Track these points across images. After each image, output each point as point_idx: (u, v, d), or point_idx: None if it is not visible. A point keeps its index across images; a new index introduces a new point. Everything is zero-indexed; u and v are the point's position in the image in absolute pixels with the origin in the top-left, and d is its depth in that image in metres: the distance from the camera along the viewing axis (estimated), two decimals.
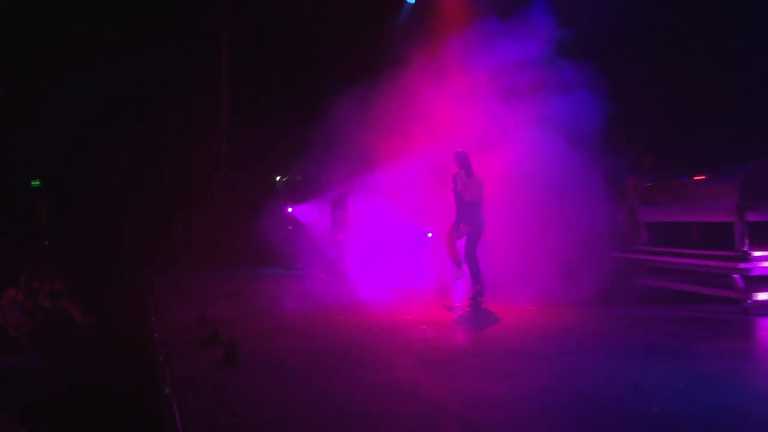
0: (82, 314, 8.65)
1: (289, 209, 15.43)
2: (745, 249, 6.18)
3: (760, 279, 6.20)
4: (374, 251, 9.62)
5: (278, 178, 18.20)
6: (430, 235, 10.78)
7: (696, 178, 7.55)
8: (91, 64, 14.42)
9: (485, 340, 5.30)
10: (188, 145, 17.07)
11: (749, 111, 8.52)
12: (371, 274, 8.72)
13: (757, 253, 6.17)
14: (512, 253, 7.44)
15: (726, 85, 8.96)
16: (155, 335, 5.53)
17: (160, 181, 16.71)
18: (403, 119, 9.20)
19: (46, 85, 14.56)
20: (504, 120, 8.51)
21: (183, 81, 16.06)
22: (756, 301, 6.08)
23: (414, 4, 11.94)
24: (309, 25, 14.04)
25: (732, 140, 8.41)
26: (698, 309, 6.50)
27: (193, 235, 17.11)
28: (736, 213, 6.29)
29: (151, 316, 6.63)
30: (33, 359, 5.03)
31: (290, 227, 15.35)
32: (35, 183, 17.29)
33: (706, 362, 4.38)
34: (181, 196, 17.52)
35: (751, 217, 6.27)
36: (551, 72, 8.27)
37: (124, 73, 14.70)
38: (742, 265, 6.12)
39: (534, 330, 5.58)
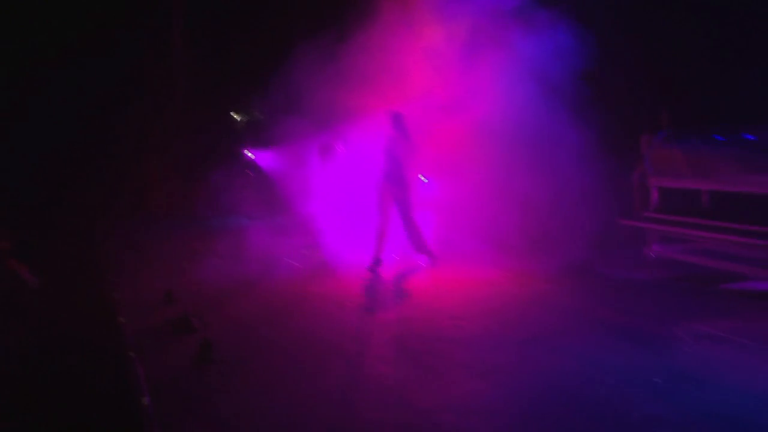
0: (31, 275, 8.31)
1: (250, 154, 14.95)
2: None
3: None
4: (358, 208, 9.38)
5: (238, 118, 17.56)
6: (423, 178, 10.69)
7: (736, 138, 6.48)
8: None
9: (463, 323, 5.19)
10: (140, 82, 16.13)
11: None
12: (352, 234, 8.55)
13: None
14: (491, 218, 7.38)
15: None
16: (121, 321, 5.30)
17: (110, 127, 15.89)
18: (373, 69, 8.88)
19: None
20: (481, 71, 8.28)
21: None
22: None
23: None
24: None
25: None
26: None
27: (149, 184, 16.43)
28: None
29: (112, 293, 6.37)
30: None
31: (251, 173, 14.94)
32: None
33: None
34: (134, 142, 16.77)
35: None
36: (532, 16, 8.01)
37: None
38: None
39: (513, 307, 5.57)
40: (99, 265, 8.19)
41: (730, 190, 6.42)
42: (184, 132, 16.91)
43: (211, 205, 15.35)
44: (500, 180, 8.20)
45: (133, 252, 9.22)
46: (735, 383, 3.80)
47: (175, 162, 16.93)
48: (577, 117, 7.39)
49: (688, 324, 4.82)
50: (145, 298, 6.18)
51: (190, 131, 16.82)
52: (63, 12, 14.17)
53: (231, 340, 4.74)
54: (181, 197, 16.67)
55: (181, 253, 8.94)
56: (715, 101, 8.15)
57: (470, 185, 8.14)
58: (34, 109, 14.57)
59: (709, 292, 5.92)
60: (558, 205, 7.40)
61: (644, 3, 8.92)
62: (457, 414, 3.53)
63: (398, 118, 7.33)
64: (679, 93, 8.71)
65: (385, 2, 8.88)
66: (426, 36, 8.72)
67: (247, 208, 14.46)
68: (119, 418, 3.71)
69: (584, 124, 7.31)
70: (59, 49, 14.15)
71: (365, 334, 4.93)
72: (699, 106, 8.37)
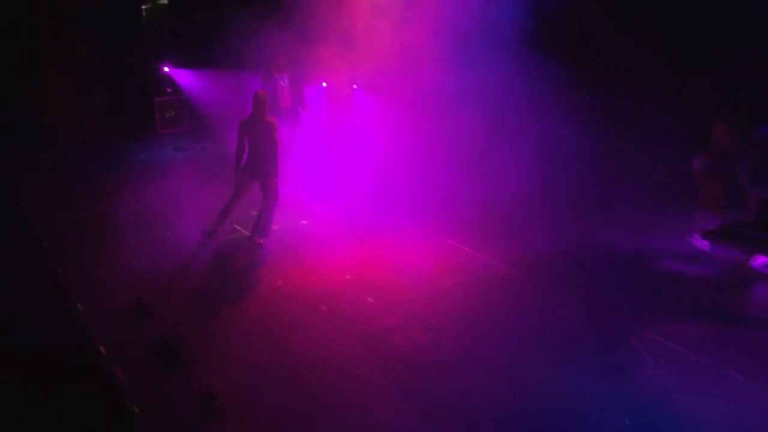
0: None
1: (165, 68, 13.92)
2: None
3: None
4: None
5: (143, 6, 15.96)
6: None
7: None
8: None
9: (442, 338, 5.38)
10: None
11: None
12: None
13: None
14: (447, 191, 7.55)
15: None
16: (101, 351, 5.20)
17: None
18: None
19: None
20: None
21: None
22: None
23: None
24: None
25: None
26: None
27: (49, 99, 14.97)
28: None
29: (71, 298, 6.14)
30: None
31: (169, 90, 14.00)
32: None
33: None
34: (25, 47, 15.01)
35: None
36: None
37: None
38: None
39: (487, 311, 5.85)
40: (33, 243, 7.77)
41: None
42: (83, 32, 15.36)
43: (124, 125, 14.46)
44: (453, 143, 8.32)
45: (63, 213, 8.76)
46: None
47: (77, 70, 15.53)
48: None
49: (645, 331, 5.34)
50: (107, 304, 6.04)
51: (88, 32, 15.29)
52: None
53: (225, 378, 4.80)
54: (88, 115, 15.51)
55: (119, 215, 8.57)
56: None
57: (421, 153, 8.24)
58: None
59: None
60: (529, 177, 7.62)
61: None
62: None
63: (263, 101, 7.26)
64: None
65: None
66: None
67: (166, 130, 13.73)
68: None
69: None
70: None
71: (354, 363, 5.09)
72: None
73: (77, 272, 6.77)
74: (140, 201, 9.07)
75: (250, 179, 7.43)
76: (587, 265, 6.73)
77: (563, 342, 5.27)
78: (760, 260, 6.46)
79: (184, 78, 13.73)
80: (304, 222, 8.20)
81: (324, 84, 12.30)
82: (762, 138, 6.41)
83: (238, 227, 7.89)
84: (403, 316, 5.76)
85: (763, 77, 6.92)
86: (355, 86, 11.97)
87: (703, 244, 6.84)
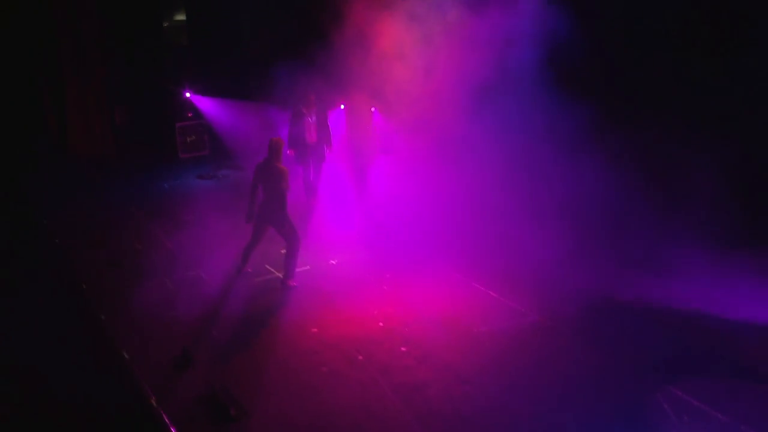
0: None
1: (187, 94, 14.19)
2: None
3: None
4: None
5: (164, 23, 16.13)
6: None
7: None
8: None
9: (476, 391, 5.63)
10: None
11: None
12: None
13: None
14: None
15: None
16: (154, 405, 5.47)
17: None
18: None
19: None
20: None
21: None
22: None
23: None
24: None
25: None
26: None
27: (70, 123, 15.08)
28: None
29: (118, 348, 6.40)
30: None
31: (190, 115, 14.28)
32: None
33: None
34: (49, 69, 15.20)
35: None
36: None
37: None
38: None
39: (518, 363, 6.05)
40: (72, 284, 8.03)
41: None
42: (105, 53, 15.47)
43: (144, 149, 14.65)
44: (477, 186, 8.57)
45: (96, 250, 9.01)
46: None
47: (99, 93, 15.70)
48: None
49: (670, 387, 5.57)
50: (150, 351, 6.30)
51: (112, 53, 15.45)
52: None
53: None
54: (109, 137, 15.63)
55: (151, 252, 8.84)
56: None
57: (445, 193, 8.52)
58: None
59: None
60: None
61: None
62: None
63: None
64: None
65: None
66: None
67: (187, 155, 14.00)
68: None
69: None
70: None
71: (393, 417, 5.34)
72: None
73: (118, 317, 7.04)
74: (170, 236, 9.33)
75: (263, 223, 7.70)
76: (620, 315, 6.85)
77: (590, 398, 5.50)
78: None
79: (204, 104, 14.01)
80: (332, 262, 8.44)
81: (342, 106, 12.54)
82: None
83: (270, 268, 8.15)
84: (437, 367, 6.02)
85: None
86: (373, 109, 12.17)
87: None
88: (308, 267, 8.12)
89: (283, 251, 7.80)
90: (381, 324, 6.83)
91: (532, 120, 8.45)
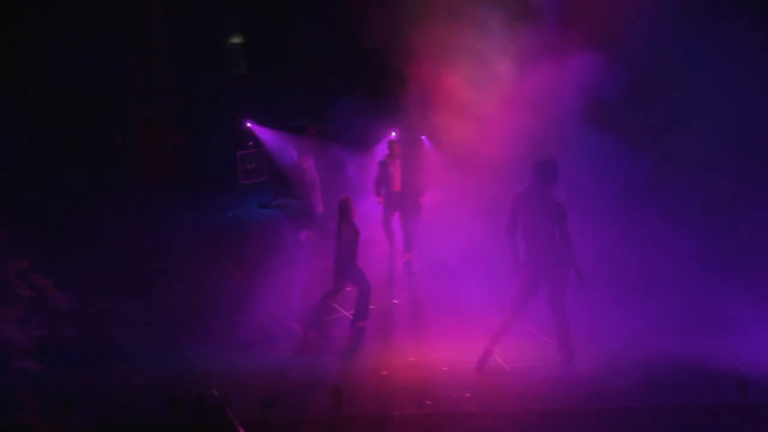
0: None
1: (248, 124, 14.96)
2: None
3: None
4: None
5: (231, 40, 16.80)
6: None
7: None
8: None
9: None
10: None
11: None
12: None
13: None
14: None
15: None
16: None
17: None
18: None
19: None
20: None
21: None
22: None
23: None
24: None
25: None
26: None
27: (136, 149, 15.86)
28: None
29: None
30: None
31: (251, 143, 15.04)
32: None
33: None
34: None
35: None
36: None
37: None
38: None
39: None
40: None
41: None
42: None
43: (206, 174, 15.33)
44: None
45: (174, 280, 9.63)
46: None
47: (165, 117, 16.35)
48: None
49: None
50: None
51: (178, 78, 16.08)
52: None
53: None
54: (173, 163, 16.30)
55: (226, 287, 9.50)
56: None
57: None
58: None
59: None
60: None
61: None
62: None
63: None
64: None
65: None
66: None
67: (247, 181, 14.68)
68: None
69: None
70: None
71: None
72: None
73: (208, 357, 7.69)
74: (241, 269, 10.04)
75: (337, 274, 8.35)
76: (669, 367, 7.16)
77: None
78: None
79: (264, 134, 14.74)
80: (395, 301, 9.05)
81: (393, 134, 12.98)
82: None
83: (338, 308, 8.78)
84: (498, 416, 6.51)
85: None
86: (423, 137, 12.55)
87: None
88: (373, 306, 8.72)
89: (349, 289, 8.47)
90: (444, 368, 7.38)
91: (580, 174, 8.87)
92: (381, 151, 11.72)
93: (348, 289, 8.52)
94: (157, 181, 15.47)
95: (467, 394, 6.90)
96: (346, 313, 8.60)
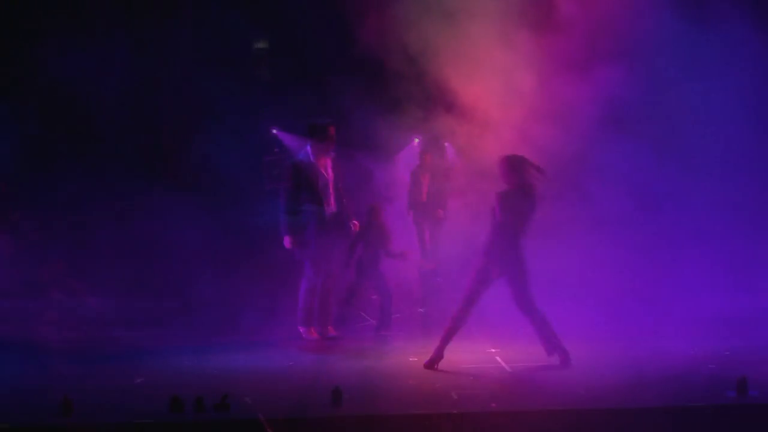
0: None
1: (273, 131, 15.21)
2: None
3: None
4: None
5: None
6: None
7: None
8: None
9: None
10: None
11: None
12: None
13: None
14: None
15: None
16: None
17: None
18: None
19: None
20: None
21: None
22: None
23: None
24: None
25: None
26: None
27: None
28: None
29: None
30: None
31: (276, 150, 15.29)
32: None
33: None
34: None
35: None
36: None
37: None
38: None
39: None
40: None
41: None
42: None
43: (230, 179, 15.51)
44: None
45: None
46: None
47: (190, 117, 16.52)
48: None
49: None
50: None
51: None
52: None
53: None
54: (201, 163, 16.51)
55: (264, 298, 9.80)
56: None
57: None
58: None
59: None
60: None
61: None
62: None
63: None
64: None
65: None
66: None
67: (273, 186, 14.85)
68: None
69: None
70: None
71: None
72: None
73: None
74: (277, 280, 10.32)
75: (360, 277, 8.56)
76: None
77: None
78: None
79: (290, 140, 14.97)
80: (420, 310, 9.27)
81: (416, 140, 13.07)
82: None
83: (365, 315, 9.03)
84: (527, 426, 6.72)
85: None
86: (446, 144, 12.60)
87: None
88: (398, 315, 8.96)
89: (374, 297, 8.72)
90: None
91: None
92: (404, 158, 11.90)
93: (373, 297, 8.74)
94: (181, 187, 15.81)
95: (493, 404, 7.07)
96: (371, 320, 8.83)
